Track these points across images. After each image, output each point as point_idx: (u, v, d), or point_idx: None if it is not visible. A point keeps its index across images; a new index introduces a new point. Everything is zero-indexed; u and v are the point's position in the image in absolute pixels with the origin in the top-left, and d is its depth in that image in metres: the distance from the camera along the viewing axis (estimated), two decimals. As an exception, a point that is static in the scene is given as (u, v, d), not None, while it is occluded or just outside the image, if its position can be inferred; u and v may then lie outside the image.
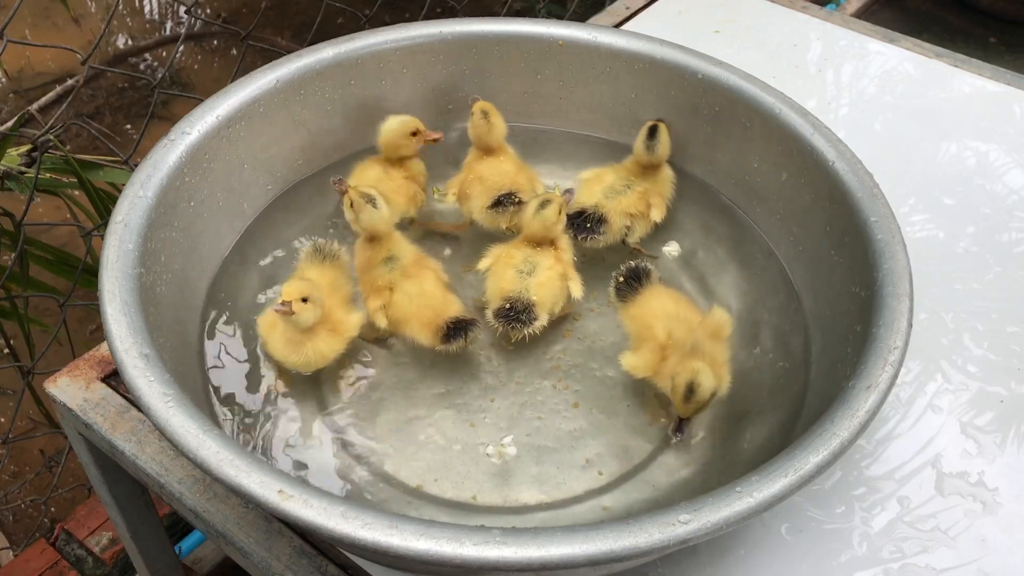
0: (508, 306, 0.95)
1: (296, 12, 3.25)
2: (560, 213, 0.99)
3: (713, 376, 0.86)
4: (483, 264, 1.01)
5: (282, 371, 0.96)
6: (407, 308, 0.95)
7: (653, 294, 0.97)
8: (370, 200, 0.97)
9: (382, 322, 0.96)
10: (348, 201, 0.98)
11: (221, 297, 1.02)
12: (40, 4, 3.14)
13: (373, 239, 0.99)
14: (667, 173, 1.12)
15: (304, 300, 0.89)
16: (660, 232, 1.12)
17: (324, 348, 0.93)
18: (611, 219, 1.06)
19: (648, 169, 1.11)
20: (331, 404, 0.94)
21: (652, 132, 1.09)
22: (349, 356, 0.97)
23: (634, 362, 0.93)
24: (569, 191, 1.03)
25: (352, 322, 0.95)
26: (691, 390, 0.85)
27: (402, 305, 0.95)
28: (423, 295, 0.96)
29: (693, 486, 0.88)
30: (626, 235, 1.09)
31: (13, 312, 1.44)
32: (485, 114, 1.09)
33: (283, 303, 0.88)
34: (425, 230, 1.11)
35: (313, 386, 0.96)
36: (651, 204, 1.09)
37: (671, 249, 1.11)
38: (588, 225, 1.05)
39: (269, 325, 0.94)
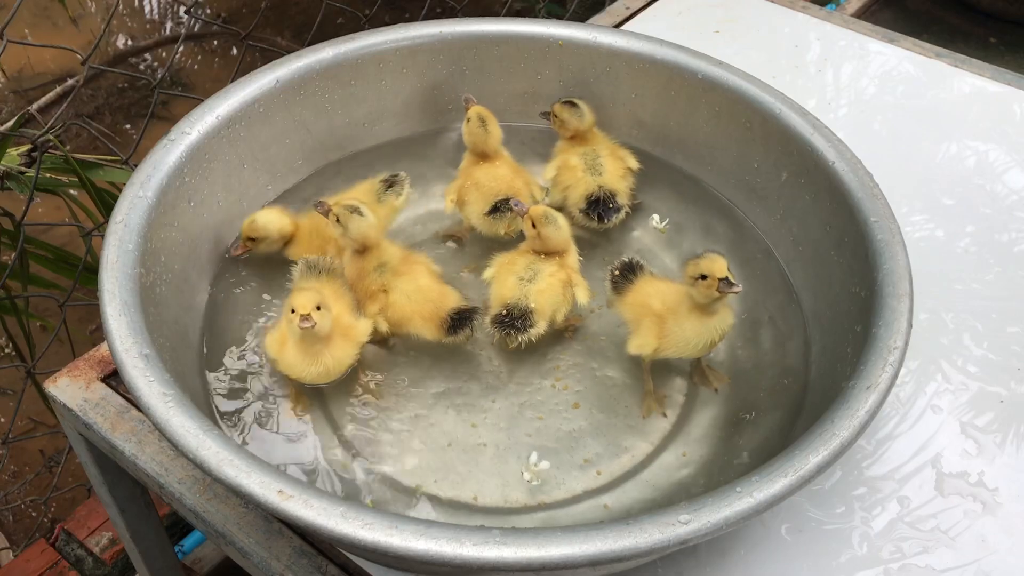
0: (505, 312, 0.95)
1: (296, 12, 3.24)
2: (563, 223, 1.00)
3: None
4: (487, 273, 1.01)
5: (299, 396, 0.94)
6: (406, 307, 0.95)
7: (647, 282, 0.97)
8: (355, 210, 0.95)
9: (383, 326, 0.96)
10: (334, 217, 0.96)
11: (221, 297, 1.02)
12: (40, 4, 3.14)
13: (362, 250, 0.98)
14: (595, 130, 1.14)
15: (317, 308, 0.87)
16: (648, 211, 1.14)
17: (341, 355, 0.91)
18: (618, 188, 1.09)
19: (585, 137, 1.12)
20: (331, 403, 0.94)
21: (572, 105, 1.11)
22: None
23: (639, 342, 0.94)
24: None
25: (362, 327, 0.94)
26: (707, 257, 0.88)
27: (401, 304, 0.95)
28: (419, 291, 0.95)
29: (693, 486, 0.88)
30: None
31: (13, 310, 1.44)
32: (483, 121, 1.09)
33: (303, 318, 0.85)
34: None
35: (313, 386, 0.95)
36: (621, 157, 1.12)
37: (658, 223, 1.12)
38: (611, 205, 1.07)
39: (277, 344, 0.91)
